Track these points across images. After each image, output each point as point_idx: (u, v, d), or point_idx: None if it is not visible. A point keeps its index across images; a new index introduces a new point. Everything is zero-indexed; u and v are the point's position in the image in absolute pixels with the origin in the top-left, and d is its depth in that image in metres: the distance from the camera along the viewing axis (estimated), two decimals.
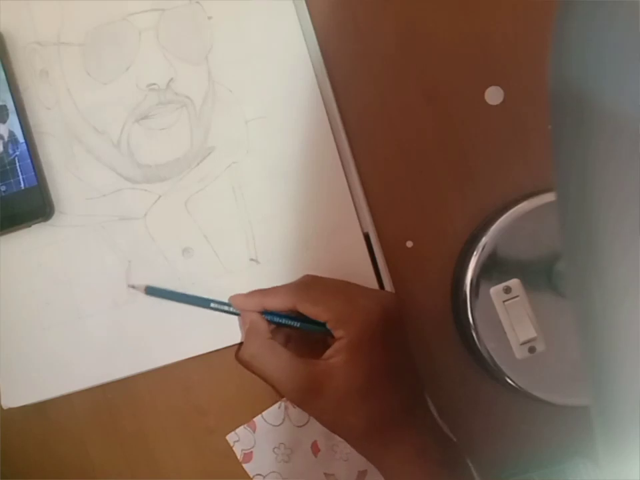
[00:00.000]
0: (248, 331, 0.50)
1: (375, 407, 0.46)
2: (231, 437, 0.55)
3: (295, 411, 0.54)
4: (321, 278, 0.50)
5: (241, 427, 0.55)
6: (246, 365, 0.50)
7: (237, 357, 0.51)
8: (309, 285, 0.50)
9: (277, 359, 0.48)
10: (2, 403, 0.54)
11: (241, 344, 0.52)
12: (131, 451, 0.55)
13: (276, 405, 0.55)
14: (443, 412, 0.54)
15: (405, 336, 0.50)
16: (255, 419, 0.55)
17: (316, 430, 0.54)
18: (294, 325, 0.50)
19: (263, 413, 0.54)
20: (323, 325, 0.48)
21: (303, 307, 0.47)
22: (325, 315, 0.47)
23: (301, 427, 0.55)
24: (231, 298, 0.51)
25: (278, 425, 0.55)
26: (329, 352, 0.48)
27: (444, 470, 0.46)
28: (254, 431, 0.55)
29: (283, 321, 0.51)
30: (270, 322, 0.51)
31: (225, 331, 0.53)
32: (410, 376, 0.49)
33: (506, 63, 0.54)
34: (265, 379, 0.50)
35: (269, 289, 0.51)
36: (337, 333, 0.47)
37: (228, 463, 0.55)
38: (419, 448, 0.46)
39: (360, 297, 0.47)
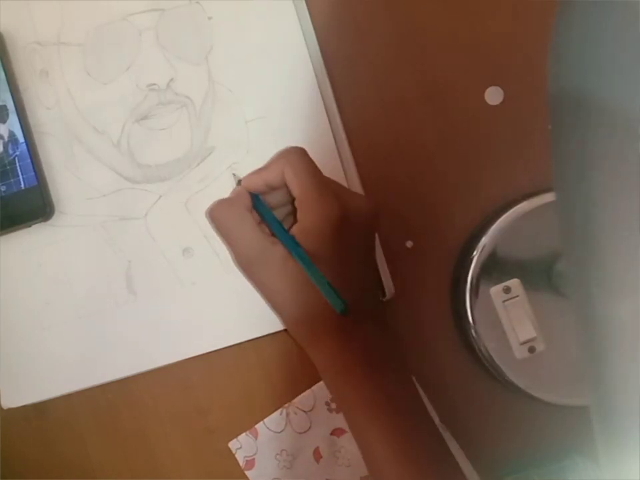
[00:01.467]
0: (231, 197, 0.50)
1: (311, 297, 0.46)
2: (233, 444, 0.55)
3: (296, 418, 0.54)
4: (311, 160, 0.49)
5: (243, 434, 0.55)
6: (211, 221, 0.49)
7: (207, 210, 0.50)
8: (302, 156, 0.48)
9: (243, 227, 0.47)
10: (2, 403, 0.54)
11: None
12: (131, 451, 0.55)
13: (277, 412, 0.54)
14: (443, 412, 0.54)
15: (367, 242, 0.49)
16: (256, 426, 0.54)
17: (318, 436, 0.54)
18: (271, 227, 0.48)
19: (265, 420, 0.54)
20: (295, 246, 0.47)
21: (287, 173, 0.47)
22: (297, 189, 0.46)
23: (302, 433, 0.55)
24: (243, 179, 0.50)
25: (280, 432, 0.54)
26: (289, 232, 0.48)
27: (373, 378, 0.46)
28: (256, 438, 0.55)
29: (266, 217, 0.49)
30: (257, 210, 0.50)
31: (225, 331, 0.53)
32: (359, 283, 0.48)
33: (506, 63, 0.54)
34: (223, 238, 0.49)
35: (266, 165, 0.50)
36: (298, 215, 0.47)
37: (228, 463, 0.55)
38: (344, 346, 0.46)
39: (333, 191, 0.46)
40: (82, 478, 0.56)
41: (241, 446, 0.55)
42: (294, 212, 0.48)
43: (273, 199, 0.50)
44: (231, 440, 0.55)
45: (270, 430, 0.54)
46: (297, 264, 0.46)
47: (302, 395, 0.55)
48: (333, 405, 0.55)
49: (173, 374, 0.54)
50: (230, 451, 0.55)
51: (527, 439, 0.55)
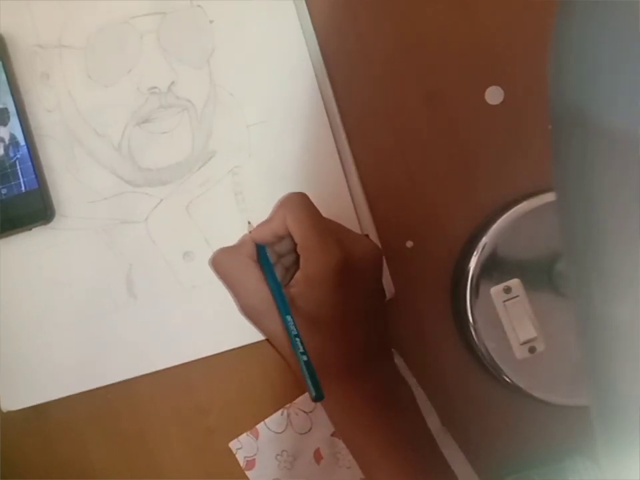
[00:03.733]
0: (233, 245, 0.50)
1: (319, 344, 0.45)
2: (233, 444, 0.55)
3: (297, 419, 0.55)
4: (312, 204, 0.48)
5: (244, 434, 0.55)
6: (214, 269, 0.49)
7: (210, 259, 0.50)
8: (302, 203, 0.48)
9: (245, 277, 0.47)
10: (2, 406, 0.54)
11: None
12: (131, 451, 0.55)
13: (279, 412, 0.55)
14: (443, 412, 0.54)
15: (372, 285, 0.48)
16: (257, 426, 0.55)
17: (319, 437, 0.54)
18: (269, 286, 0.47)
19: (266, 420, 0.55)
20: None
21: (288, 220, 0.46)
22: (298, 237, 0.46)
23: (303, 434, 0.55)
24: (252, 232, 0.50)
25: (281, 432, 0.55)
26: (293, 280, 0.47)
27: (384, 417, 0.46)
28: (257, 438, 0.55)
29: (266, 275, 0.48)
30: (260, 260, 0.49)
31: (226, 335, 0.53)
32: (368, 326, 0.48)
33: (506, 63, 0.54)
34: (227, 287, 0.49)
35: (270, 215, 0.49)
36: (301, 262, 0.46)
37: (228, 463, 0.55)
38: (356, 393, 0.46)
39: (334, 237, 0.46)
40: (82, 478, 0.56)
41: (241, 446, 0.55)
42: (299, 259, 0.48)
43: (280, 247, 0.50)
44: (231, 440, 0.55)
45: (271, 430, 0.55)
46: (295, 310, 0.46)
47: (303, 395, 0.55)
48: None
49: (173, 374, 0.54)
50: (230, 450, 0.55)
51: (527, 439, 0.55)
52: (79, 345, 0.54)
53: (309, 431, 0.55)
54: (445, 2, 0.54)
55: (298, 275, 0.47)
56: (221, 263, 0.49)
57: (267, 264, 0.48)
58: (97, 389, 0.54)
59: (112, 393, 0.55)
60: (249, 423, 0.55)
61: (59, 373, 0.54)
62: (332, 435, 0.55)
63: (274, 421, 0.55)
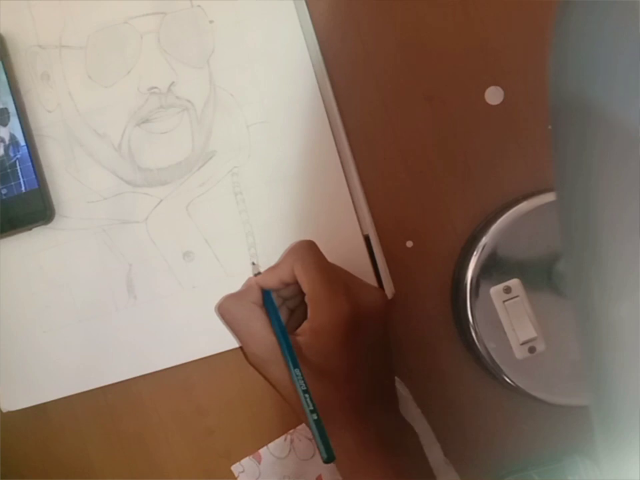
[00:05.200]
0: (239, 291, 0.50)
1: (324, 393, 0.45)
2: (235, 468, 0.54)
3: (301, 444, 0.54)
4: (320, 252, 0.49)
5: (247, 458, 0.54)
6: (221, 316, 0.49)
7: (216, 306, 0.50)
8: (310, 251, 0.48)
9: (251, 323, 0.47)
10: (2, 407, 0.54)
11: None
12: (131, 451, 0.55)
13: (282, 438, 0.54)
14: (443, 412, 0.54)
15: (379, 333, 0.48)
16: (260, 451, 0.54)
17: (321, 464, 0.54)
18: (276, 334, 0.47)
19: (269, 445, 0.54)
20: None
21: (296, 269, 0.47)
22: (306, 287, 0.46)
23: (306, 460, 0.54)
24: (258, 278, 0.50)
25: (283, 458, 0.54)
26: (300, 328, 0.47)
27: (388, 464, 0.46)
28: (259, 462, 0.54)
29: (272, 322, 0.48)
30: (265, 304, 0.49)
31: (226, 335, 0.53)
32: (373, 375, 0.48)
33: (506, 63, 0.54)
34: (234, 334, 0.49)
35: (278, 262, 0.50)
36: (309, 312, 0.46)
37: (228, 463, 0.55)
38: (360, 440, 0.46)
39: (343, 288, 0.46)
40: (82, 478, 0.56)
41: (243, 469, 0.54)
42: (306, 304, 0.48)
43: (286, 291, 0.50)
44: (230, 439, 0.55)
45: (273, 455, 0.54)
46: (301, 359, 0.46)
47: None
48: None
49: (173, 375, 0.54)
50: (230, 451, 0.55)
51: (526, 439, 0.55)
52: (79, 345, 0.54)
53: (312, 457, 0.54)
54: (445, 2, 0.54)
55: (305, 325, 0.47)
56: (228, 309, 0.49)
57: (273, 310, 0.48)
58: (97, 388, 0.54)
59: (112, 392, 0.55)
60: (248, 424, 0.55)
61: (59, 373, 0.54)
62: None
63: (277, 445, 0.54)
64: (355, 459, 0.46)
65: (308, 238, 0.52)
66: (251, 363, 0.49)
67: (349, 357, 0.46)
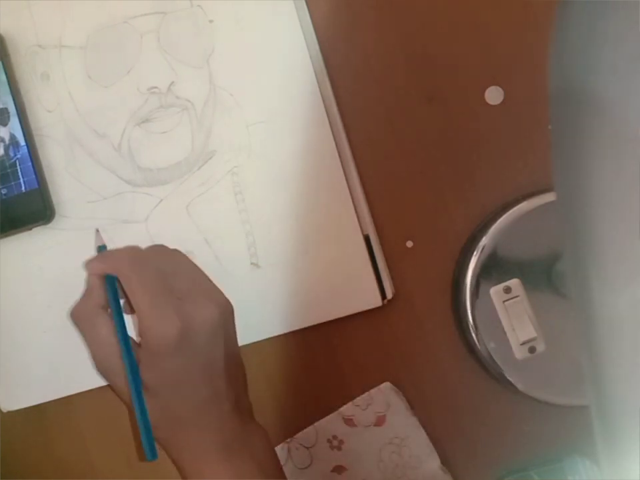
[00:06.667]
0: (84, 292, 0.45)
1: (157, 409, 0.44)
2: None
3: (298, 453, 0.54)
4: (149, 259, 0.45)
5: None
6: (72, 322, 0.45)
7: (68, 312, 0.46)
8: (149, 261, 0.45)
9: (95, 330, 0.44)
10: (2, 406, 0.54)
11: None
12: (131, 451, 0.55)
13: (279, 446, 0.54)
14: (443, 412, 0.55)
15: (219, 348, 0.44)
16: None
17: (319, 473, 0.54)
18: (117, 333, 0.43)
19: None
20: None
21: (123, 280, 0.43)
22: (134, 300, 0.43)
23: (303, 469, 0.54)
24: (85, 263, 0.46)
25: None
26: (132, 343, 0.44)
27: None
28: None
29: (111, 302, 0.44)
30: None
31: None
32: (213, 387, 0.45)
33: (506, 63, 0.54)
34: (84, 342, 0.45)
35: (108, 253, 0.47)
36: (138, 327, 0.43)
37: None
38: (200, 441, 0.45)
39: (172, 302, 0.43)
40: (82, 478, 0.56)
41: None
42: None
43: None
44: None
45: None
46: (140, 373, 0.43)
47: (304, 430, 0.55)
48: (335, 442, 0.54)
49: None
50: None
51: (526, 439, 0.55)
52: (79, 345, 0.54)
53: (309, 465, 0.54)
54: (445, 2, 0.54)
55: (140, 340, 0.43)
56: (75, 314, 0.45)
57: (117, 314, 0.44)
58: (97, 388, 0.54)
59: (112, 393, 0.55)
60: None
61: (59, 372, 0.54)
62: (332, 471, 0.54)
63: None
64: (197, 461, 0.45)
65: (308, 238, 0.52)
66: (98, 371, 0.45)
67: (184, 371, 0.43)
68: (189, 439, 0.45)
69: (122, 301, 0.44)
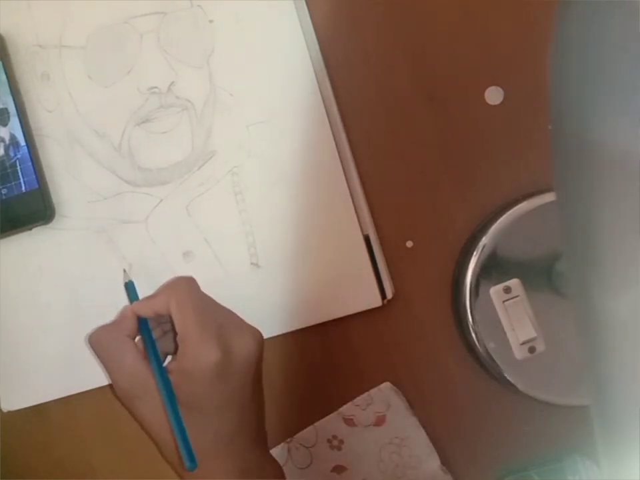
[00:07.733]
0: (115, 321, 0.47)
1: (193, 426, 0.44)
2: None
3: (298, 453, 0.54)
4: (199, 291, 0.47)
5: None
6: (91, 347, 0.47)
7: (87, 337, 0.47)
8: (188, 290, 0.46)
9: (122, 357, 0.45)
10: (2, 406, 0.54)
11: None
12: (131, 451, 0.55)
13: (279, 446, 0.54)
14: (443, 412, 0.55)
15: (249, 379, 0.46)
16: None
17: (319, 472, 0.54)
18: (149, 359, 0.46)
19: None
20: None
21: (171, 306, 0.45)
22: (179, 326, 0.45)
23: (303, 468, 0.54)
24: (133, 305, 0.48)
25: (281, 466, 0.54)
26: (169, 364, 0.46)
27: None
28: None
29: (147, 348, 0.46)
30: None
31: None
32: (241, 414, 0.46)
33: (506, 63, 0.54)
34: (104, 366, 0.46)
35: (155, 293, 0.48)
36: (178, 351, 0.45)
37: None
38: (223, 470, 0.45)
39: (217, 332, 0.44)
40: (82, 478, 0.56)
41: None
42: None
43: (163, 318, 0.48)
44: None
45: None
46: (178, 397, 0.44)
47: (304, 430, 0.55)
48: (335, 442, 0.54)
49: None
50: None
51: (526, 439, 0.55)
52: (79, 345, 0.54)
53: (309, 465, 0.54)
54: (446, 2, 0.54)
55: (174, 363, 0.45)
56: (99, 341, 0.46)
57: (149, 342, 0.46)
58: (97, 388, 0.54)
59: (112, 392, 0.55)
60: None
61: (59, 372, 0.54)
62: (331, 471, 0.54)
63: (274, 454, 0.54)
64: None
65: (308, 238, 0.52)
66: (117, 397, 0.47)
67: (218, 398, 0.44)
68: (208, 466, 0.45)
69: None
